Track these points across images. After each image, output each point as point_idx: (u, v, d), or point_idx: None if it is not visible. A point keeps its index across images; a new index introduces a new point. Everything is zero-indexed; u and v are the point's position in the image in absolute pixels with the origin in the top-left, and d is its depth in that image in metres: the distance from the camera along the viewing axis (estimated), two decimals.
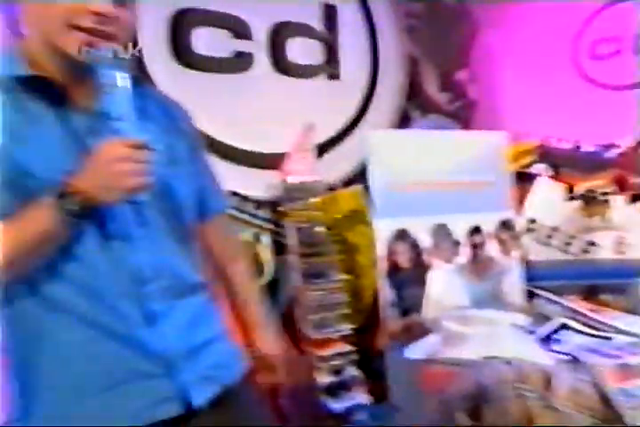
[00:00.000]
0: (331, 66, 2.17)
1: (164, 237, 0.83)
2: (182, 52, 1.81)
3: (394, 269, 1.79)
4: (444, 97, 2.66)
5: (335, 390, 1.70)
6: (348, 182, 2.18)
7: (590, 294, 1.84)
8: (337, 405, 1.65)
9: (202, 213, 0.95)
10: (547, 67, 2.42)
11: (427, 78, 2.59)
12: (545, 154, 2.32)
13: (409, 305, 1.81)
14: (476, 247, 1.94)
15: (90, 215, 0.73)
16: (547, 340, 1.43)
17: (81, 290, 0.76)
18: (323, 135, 2.07)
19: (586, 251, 2.08)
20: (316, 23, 2.12)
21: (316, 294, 1.69)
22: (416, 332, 1.73)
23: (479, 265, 1.94)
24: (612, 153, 2.17)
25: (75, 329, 0.76)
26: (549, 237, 2.16)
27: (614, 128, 2.20)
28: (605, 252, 2.04)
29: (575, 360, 1.23)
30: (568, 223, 2.14)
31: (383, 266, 1.75)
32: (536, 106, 2.43)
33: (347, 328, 1.71)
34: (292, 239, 1.80)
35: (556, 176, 2.25)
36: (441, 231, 1.89)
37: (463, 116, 2.68)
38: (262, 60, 1.98)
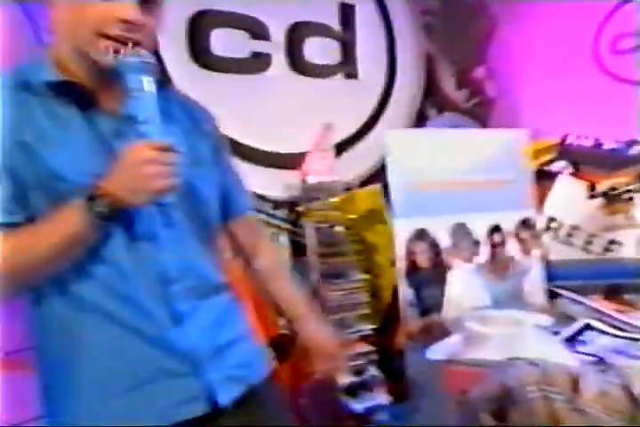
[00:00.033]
0: (348, 65, 2.17)
1: (188, 238, 0.83)
2: (200, 54, 1.82)
3: (413, 269, 1.78)
4: (461, 95, 2.63)
5: (356, 390, 1.70)
6: (365, 182, 2.17)
7: (612, 293, 1.81)
8: (357, 405, 1.65)
9: (227, 213, 0.96)
10: (567, 62, 2.37)
11: (443, 76, 2.56)
12: (565, 151, 2.28)
13: (428, 305, 1.80)
14: (495, 247, 1.92)
15: (118, 217, 0.74)
16: (571, 341, 1.41)
17: (108, 290, 0.77)
18: (340, 135, 2.07)
19: (608, 250, 2.05)
20: (334, 22, 2.12)
21: (335, 295, 1.69)
22: (435, 332, 1.72)
23: (499, 265, 1.93)
24: (635, 150, 2.13)
25: (102, 328, 0.78)
26: (570, 235, 2.13)
27: (637, 124, 2.15)
28: (628, 250, 2.00)
29: (602, 362, 1.22)
30: (589, 222, 2.11)
31: (402, 266, 1.75)
32: (555, 102, 2.39)
33: (367, 328, 1.70)
34: (310, 239, 1.80)
35: (577, 174, 2.21)
36: (460, 231, 1.88)
37: (480, 113, 2.66)
38: (280, 61, 1.98)
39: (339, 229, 1.76)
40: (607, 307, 1.57)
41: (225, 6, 1.85)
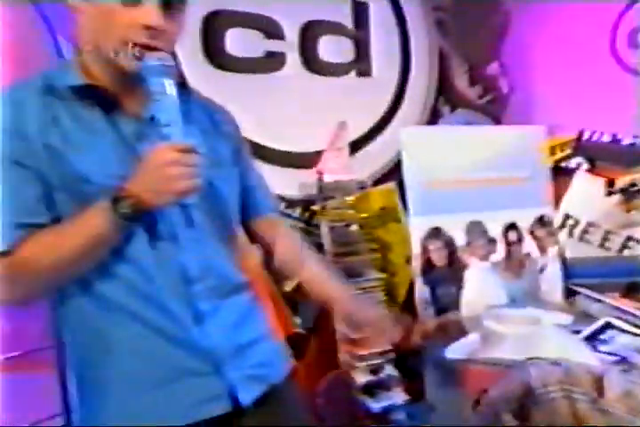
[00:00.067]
0: (362, 63, 2.16)
1: (209, 238, 0.85)
2: (214, 54, 1.82)
3: (428, 267, 1.77)
4: (474, 91, 2.61)
5: (372, 389, 1.70)
6: (378, 180, 2.17)
7: (630, 291, 1.79)
8: (374, 404, 1.65)
9: (251, 213, 0.97)
10: (583, 57, 2.34)
11: (456, 72, 2.54)
12: (581, 147, 2.25)
13: (444, 303, 1.79)
14: (511, 244, 1.91)
15: (141, 218, 0.76)
16: (591, 340, 1.39)
17: (132, 289, 0.78)
18: (355, 133, 2.06)
19: (625, 247, 2.03)
20: (347, 21, 2.11)
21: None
22: (451, 331, 1.71)
23: (515, 262, 1.91)
24: None
25: (126, 327, 0.79)
26: (586, 233, 2.11)
27: None
28: None
29: (624, 361, 1.20)
30: (607, 219, 2.08)
31: (417, 264, 1.75)
32: (571, 98, 2.36)
33: None
34: (325, 238, 1.80)
35: (593, 170, 2.19)
36: (476, 229, 1.87)
37: (494, 110, 2.63)
38: (294, 60, 1.98)
39: (354, 228, 1.76)
40: (628, 305, 1.55)
41: (238, 6, 1.85)
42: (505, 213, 1.89)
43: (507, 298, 1.85)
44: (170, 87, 0.74)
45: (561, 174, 2.14)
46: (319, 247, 1.81)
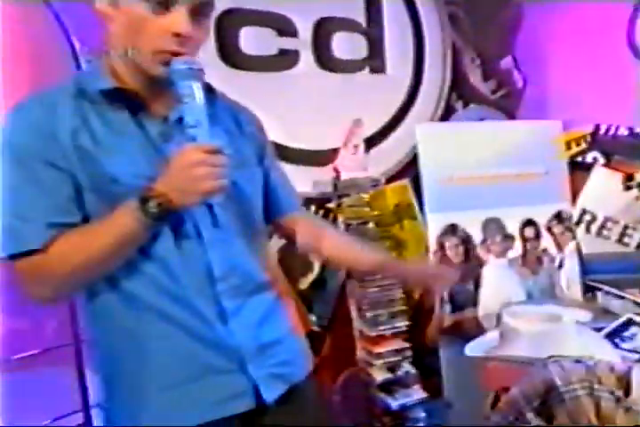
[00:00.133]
0: (376, 60, 2.14)
1: (234, 238, 0.86)
2: (229, 53, 1.82)
3: (444, 264, 1.77)
4: (488, 86, 2.59)
5: (390, 386, 1.69)
6: (393, 177, 2.16)
7: None
8: (393, 402, 1.65)
9: (277, 212, 0.99)
10: (599, 50, 2.30)
11: (469, 67, 2.52)
12: (597, 142, 2.23)
13: (460, 301, 1.79)
14: (529, 241, 1.89)
15: (169, 218, 0.77)
16: (613, 337, 1.38)
17: (158, 288, 0.80)
18: (369, 130, 2.05)
19: None
20: (360, 17, 2.09)
21: (370, 291, 1.69)
22: (468, 328, 1.71)
23: (533, 259, 1.90)
24: None
25: (153, 325, 0.81)
26: (603, 228, 2.09)
27: None
28: None
29: None
30: (624, 214, 2.06)
31: (434, 261, 1.74)
32: (587, 91, 2.33)
33: (402, 325, 1.70)
34: None
35: (609, 164, 2.16)
36: (492, 225, 1.86)
37: (507, 105, 2.60)
38: (307, 57, 1.97)
39: (370, 225, 1.75)
40: None
41: (251, 4, 1.84)
42: (522, 209, 1.88)
43: (524, 295, 1.84)
44: (197, 90, 0.76)
45: (576, 169, 2.11)
46: None
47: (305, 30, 1.95)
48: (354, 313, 1.75)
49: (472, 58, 2.52)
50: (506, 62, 2.64)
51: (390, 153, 2.16)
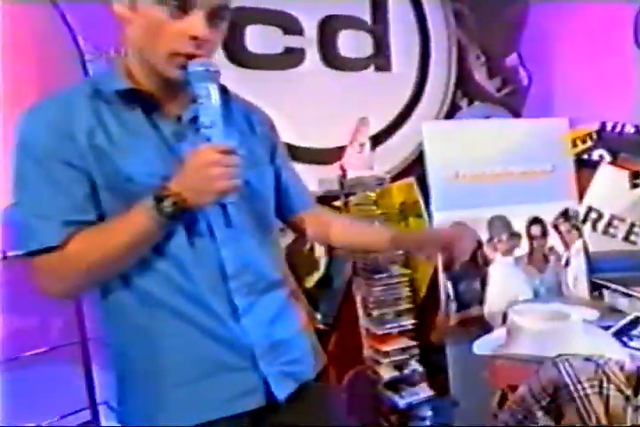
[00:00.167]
0: (381, 58, 2.14)
1: (247, 236, 0.87)
2: (234, 51, 1.82)
3: (450, 263, 1.76)
4: (493, 84, 2.58)
5: (397, 385, 1.70)
6: (399, 174, 2.15)
7: None
8: (400, 400, 1.65)
9: (290, 210, 1.00)
10: (605, 46, 2.29)
11: (474, 65, 2.51)
12: (603, 139, 2.22)
13: (466, 299, 1.79)
14: (535, 239, 1.89)
15: (183, 217, 0.78)
16: (620, 335, 1.38)
17: (171, 286, 0.81)
18: (374, 128, 2.05)
19: None
20: (365, 15, 2.09)
21: (376, 290, 1.69)
22: (474, 326, 1.71)
23: (539, 257, 1.90)
24: None
25: (166, 322, 0.81)
26: (610, 226, 2.08)
27: None
28: None
29: None
30: (631, 211, 2.05)
31: (440, 259, 1.74)
32: (592, 90, 2.32)
33: (409, 323, 1.70)
34: None
35: (615, 162, 2.15)
36: (499, 223, 1.85)
37: (513, 103, 2.60)
38: (313, 55, 1.97)
39: (377, 223, 1.75)
40: None
41: (257, 2, 1.84)
42: (528, 207, 1.87)
43: (531, 293, 1.84)
44: (214, 91, 0.77)
45: (582, 167, 2.11)
46: None
47: (310, 28, 1.95)
48: (360, 311, 1.75)
49: (477, 55, 2.51)
50: (511, 60, 2.63)
51: (396, 151, 2.16)
